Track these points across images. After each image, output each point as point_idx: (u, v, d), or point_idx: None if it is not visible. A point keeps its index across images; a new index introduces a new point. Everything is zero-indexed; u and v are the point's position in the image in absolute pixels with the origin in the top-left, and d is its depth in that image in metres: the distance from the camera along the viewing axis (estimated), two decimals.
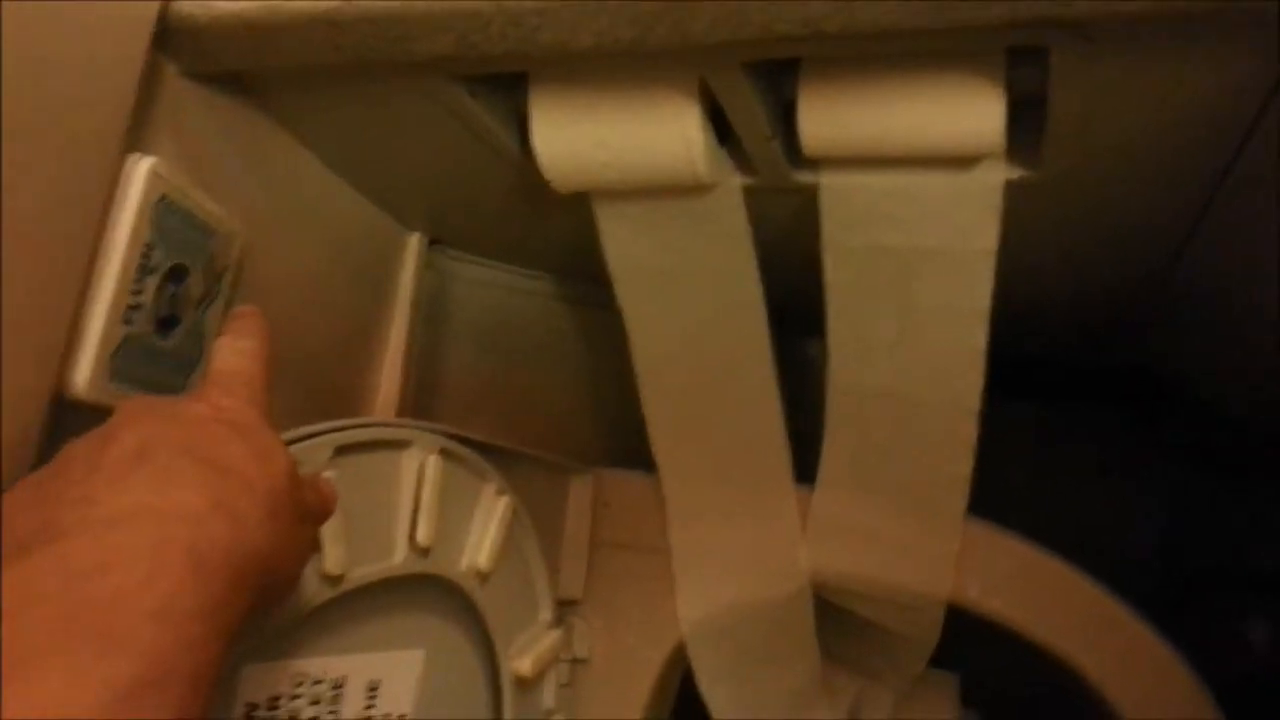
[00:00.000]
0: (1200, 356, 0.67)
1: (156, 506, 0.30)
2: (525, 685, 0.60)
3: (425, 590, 0.52)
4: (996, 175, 0.45)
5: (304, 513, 0.37)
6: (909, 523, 0.58)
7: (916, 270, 0.50)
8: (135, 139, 0.40)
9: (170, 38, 0.41)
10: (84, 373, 0.38)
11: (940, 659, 0.67)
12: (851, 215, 0.49)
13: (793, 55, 0.41)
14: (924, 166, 0.45)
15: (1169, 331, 0.67)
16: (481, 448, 0.56)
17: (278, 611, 0.42)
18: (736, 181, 0.50)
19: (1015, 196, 0.46)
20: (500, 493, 0.56)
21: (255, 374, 0.40)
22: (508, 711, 0.58)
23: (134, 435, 0.32)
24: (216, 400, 0.37)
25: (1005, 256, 0.47)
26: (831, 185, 0.48)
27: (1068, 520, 0.85)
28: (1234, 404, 0.70)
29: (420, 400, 0.65)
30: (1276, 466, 0.74)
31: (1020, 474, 0.89)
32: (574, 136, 0.46)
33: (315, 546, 0.40)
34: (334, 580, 0.44)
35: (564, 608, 0.66)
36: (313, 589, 0.43)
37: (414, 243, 0.66)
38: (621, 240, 0.54)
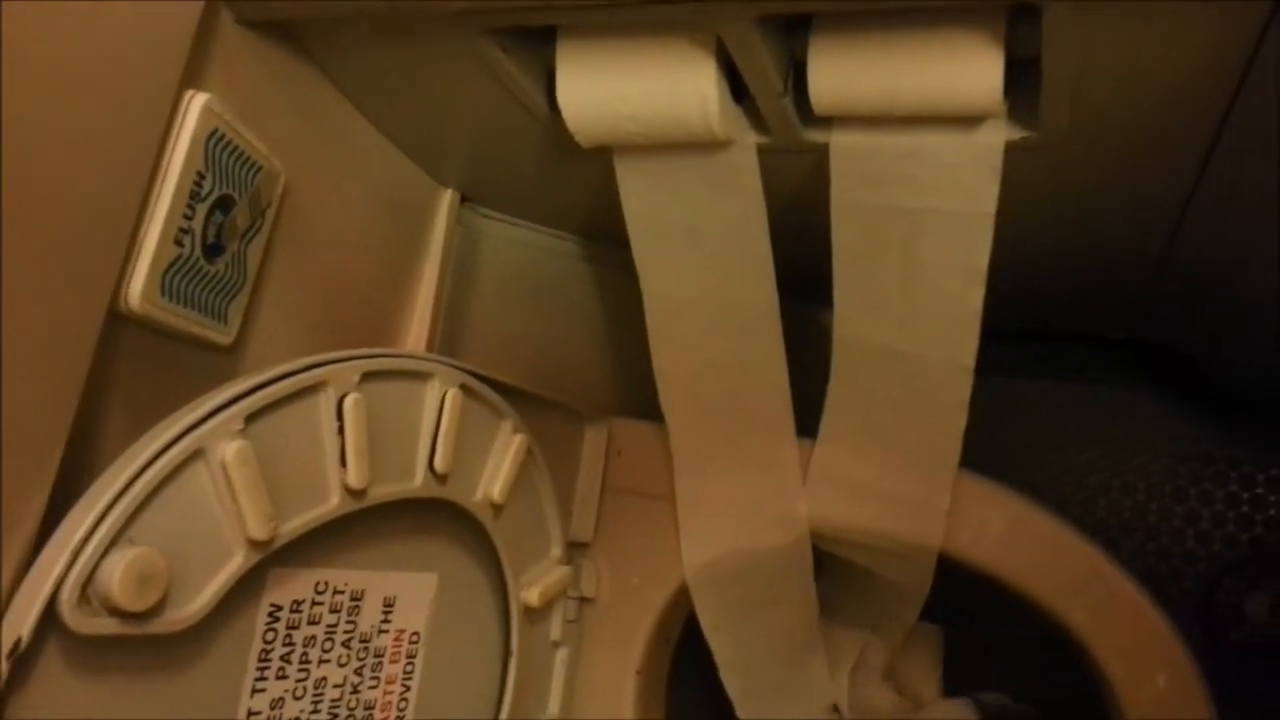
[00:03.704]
0: (1205, 331, 0.68)
1: None
2: (533, 616, 0.63)
3: (442, 517, 0.55)
4: (998, 136, 0.47)
5: None
6: (904, 475, 0.60)
7: (920, 229, 0.52)
8: (192, 77, 0.44)
9: None
10: (138, 287, 0.42)
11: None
12: (859, 174, 0.51)
13: (804, 11, 0.43)
14: (929, 126, 0.47)
15: (1176, 307, 0.68)
16: (502, 389, 0.59)
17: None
18: (751, 139, 0.52)
19: (1021, 161, 0.47)
20: (516, 430, 0.59)
21: None
22: (515, 640, 0.61)
23: None
24: None
25: (1018, 225, 0.49)
26: (841, 144, 0.50)
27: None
28: (1237, 379, 0.71)
29: (446, 349, 0.69)
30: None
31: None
32: (598, 90, 0.49)
33: None
34: (356, 494, 0.48)
35: (574, 550, 0.69)
36: (336, 500, 0.47)
37: (447, 198, 0.68)
38: (640, 195, 0.56)
